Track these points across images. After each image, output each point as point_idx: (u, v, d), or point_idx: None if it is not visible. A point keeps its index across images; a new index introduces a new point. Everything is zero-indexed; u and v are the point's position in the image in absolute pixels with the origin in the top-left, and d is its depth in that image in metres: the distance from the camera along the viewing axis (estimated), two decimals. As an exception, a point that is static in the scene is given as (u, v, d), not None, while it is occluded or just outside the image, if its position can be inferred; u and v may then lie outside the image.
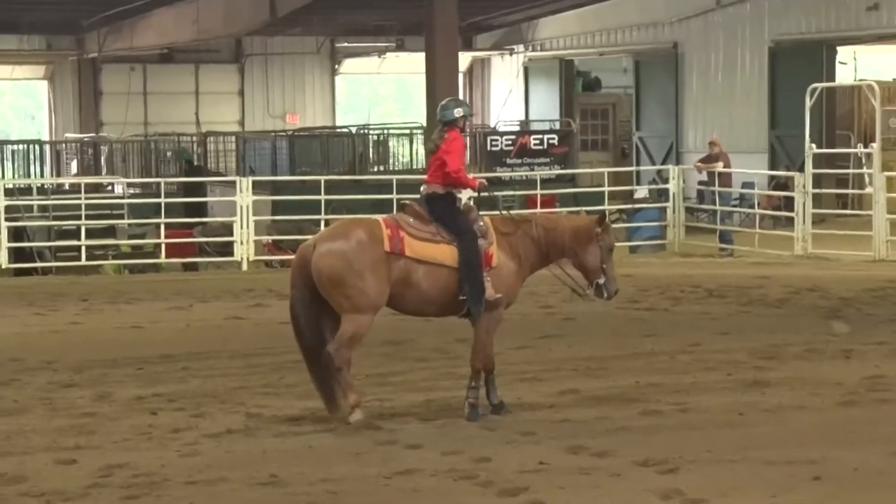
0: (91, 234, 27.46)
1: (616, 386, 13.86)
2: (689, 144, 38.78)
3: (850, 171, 30.52)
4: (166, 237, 27.68)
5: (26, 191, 31.51)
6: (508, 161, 33.51)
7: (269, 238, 27.69)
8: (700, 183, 30.30)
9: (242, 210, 27.00)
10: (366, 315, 12.19)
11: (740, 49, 37.67)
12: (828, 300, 20.25)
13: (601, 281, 12.81)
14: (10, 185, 30.96)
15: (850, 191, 30.75)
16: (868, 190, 28.32)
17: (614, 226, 26.22)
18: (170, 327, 18.90)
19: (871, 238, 25.99)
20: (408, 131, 37.19)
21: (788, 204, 28.27)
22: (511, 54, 45.80)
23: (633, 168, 38.80)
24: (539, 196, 29.76)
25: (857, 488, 9.92)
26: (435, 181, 12.67)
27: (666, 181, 30.40)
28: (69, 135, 43.20)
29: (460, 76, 37.18)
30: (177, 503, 9.73)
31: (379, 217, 12.77)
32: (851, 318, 18.52)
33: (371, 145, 36.80)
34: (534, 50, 44.88)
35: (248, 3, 37.17)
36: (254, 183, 28.12)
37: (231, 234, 27.30)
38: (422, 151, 34.43)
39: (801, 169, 28.19)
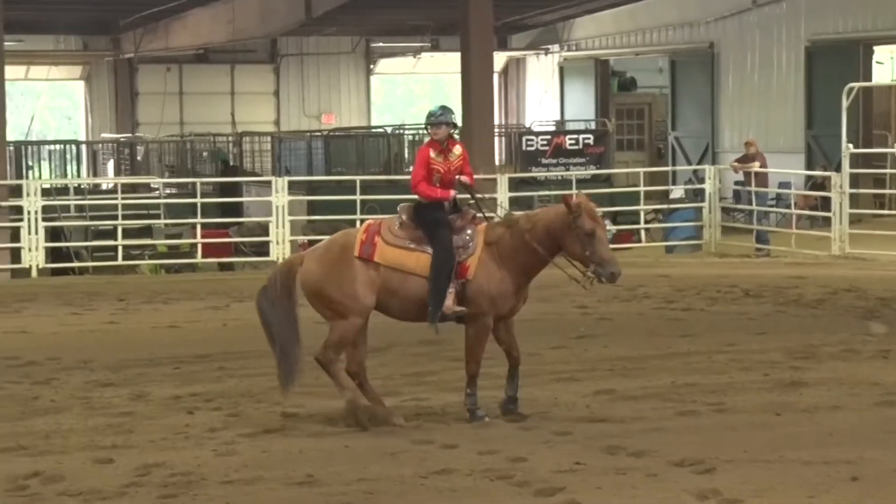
0: (128, 233, 27.57)
1: (652, 386, 13.84)
2: (725, 144, 38.64)
3: (888, 170, 30.36)
4: (203, 237, 27.77)
5: (63, 191, 31.70)
6: (544, 161, 33.47)
7: (305, 238, 27.72)
8: (736, 183, 30.20)
9: (278, 210, 27.06)
10: (349, 320, 12.23)
11: (776, 49, 37.52)
12: (865, 300, 20.17)
13: (593, 267, 12.31)
14: (48, 186, 31.11)
15: (887, 191, 30.62)
16: (905, 190, 28.23)
17: (653, 225, 25.92)
18: (206, 327, 18.96)
19: (908, 238, 25.90)
20: (443, 131, 37.14)
21: (825, 204, 28.18)
22: (546, 54, 45.72)
23: (669, 168, 38.71)
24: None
25: (894, 489, 9.88)
26: None
27: (702, 181, 30.32)
28: (105, 135, 43.36)
29: (495, 76, 37.13)
30: (213, 502, 9.75)
31: (372, 220, 12.84)
32: (889, 318, 18.43)
33: (406, 145, 36.80)
34: (569, 50, 44.78)
35: (284, 3, 37.24)
36: (289, 183, 28.17)
37: (267, 234, 27.36)
38: (457, 151, 34.36)
39: (838, 169, 28.07)
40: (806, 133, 36.21)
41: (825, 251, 26.60)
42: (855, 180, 27.99)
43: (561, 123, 41.99)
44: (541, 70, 46.17)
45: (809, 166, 34.61)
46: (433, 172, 12.55)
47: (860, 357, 15.44)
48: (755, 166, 29.11)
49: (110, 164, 40.40)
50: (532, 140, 34.37)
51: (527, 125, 42.10)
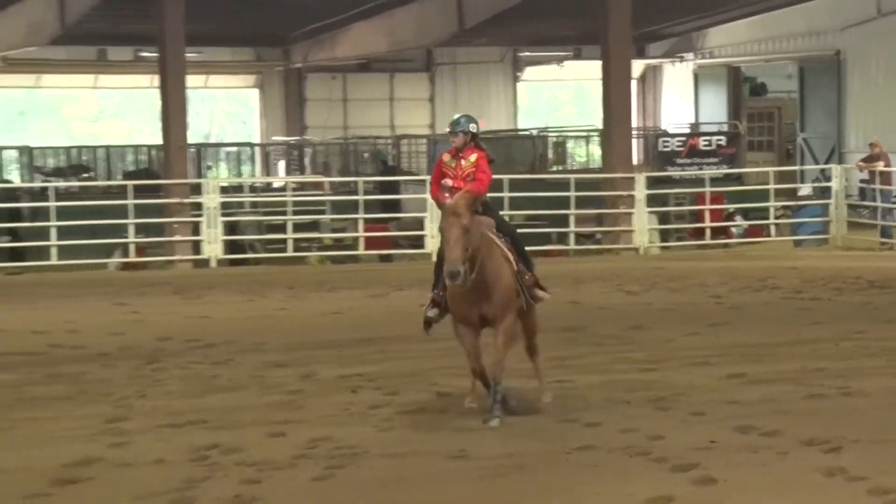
0: (297, 228, 27.86)
1: (782, 370, 13.65)
2: (851, 145, 38.00)
3: None
4: (364, 231, 27.95)
5: (238, 189, 32.10)
6: (679, 161, 33.16)
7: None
8: (861, 181, 29.71)
9: (432, 206, 27.15)
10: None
11: (900, 55, 36.84)
12: None
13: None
14: (225, 184, 31.54)
15: None
16: None
17: (782, 221, 25.38)
18: (368, 313, 19.07)
19: None
20: (584, 134, 37.07)
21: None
22: (681, 61, 45.32)
23: (798, 167, 38.15)
24: (708, 194, 29.51)
25: None
26: None
27: (829, 180, 29.86)
28: (276, 138, 43.85)
29: (634, 82, 36.89)
30: (374, 473, 9.81)
31: None
32: None
33: (550, 146, 36.72)
34: (703, 57, 44.34)
35: (439, 16, 37.34)
36: (443, 181, 28.24)
37: (422, 229, 27.46)
38: (597, 152, 34.27)
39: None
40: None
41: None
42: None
43: (695, 126, 41.57)
44: (676, 76, 45.77)
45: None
46: (445, 176, 12.25)
47: (981, 345, 15.11)
48: (879, 165, 28.63)
49: (281, 165, 40.86)
50: (668, 141, 34.07)
51: (663, 128, 41.76)
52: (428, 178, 28.70)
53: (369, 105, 45.36)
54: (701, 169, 32.46)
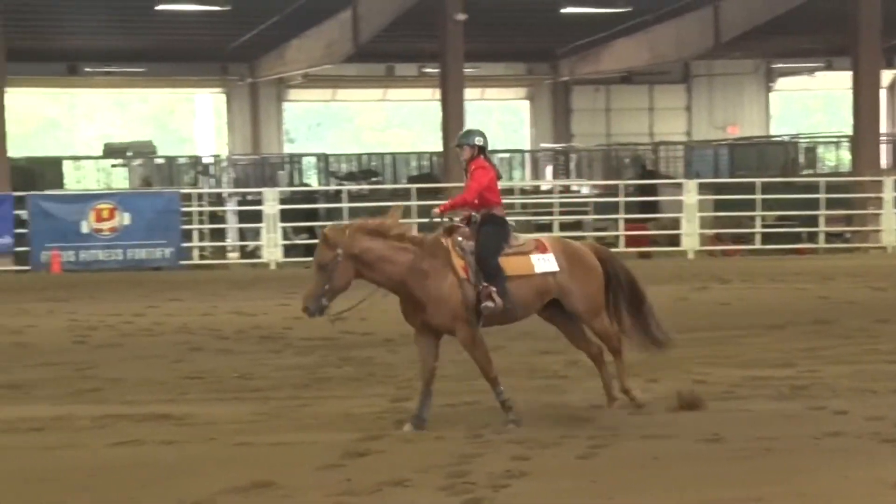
0: (563, 227, 27.85)
1: None
2: None
3: None
4: (625, 230, 27.78)
5: (509, 192, 32.26)
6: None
7: (713, 231, 27.42)
8: None
9: (689, 208, 26.83)
10: None
11: None
12: None
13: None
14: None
15: None
16: None
17: None
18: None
19: None
20: (835, 139, 36.08)
21: None
22: (929, 70, 43.72)
23: None
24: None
25: None
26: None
27: None
28: (545, 145, 43.97)
29: (883, 91, 35.72)
30: (632, 453, 9.69)
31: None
32: None
33: (801, 152, 35.89)
34: (950, 66, 42.66)
35: (696, 31, 36.89)
36: (698, 185, 27.89)
37: (678, 228, 27.14)
38: (847, 157, 33.34)
39: None
40: None
41: None
42: None
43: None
44: (924, 85, 44.17)
45: None
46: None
47: None
48: None
49: (548, 169, 40.94)
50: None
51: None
52: (684, 180, 28.46)
53: (630, 114, 45.08)
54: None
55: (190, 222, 27.42)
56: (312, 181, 37.03)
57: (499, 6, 35.98)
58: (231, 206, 30.26)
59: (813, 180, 29.80)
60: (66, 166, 35.65)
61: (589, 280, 11.15)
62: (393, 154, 39.26)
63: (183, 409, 10.84)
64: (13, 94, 31.88)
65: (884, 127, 38.95)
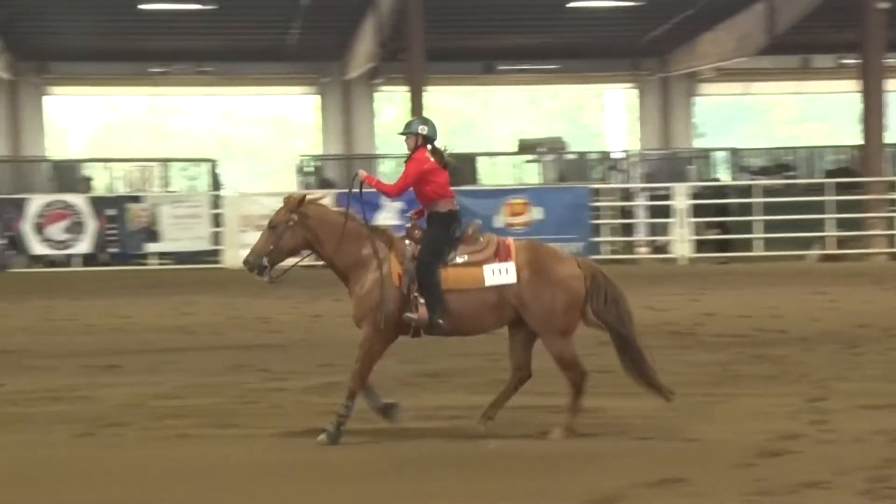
0: None
1: None
2: None
3: None
4: None
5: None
6: None
7: None
8: None
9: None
10: None
11: None
12: None
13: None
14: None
15: None
16: None
17: None
18: None
19: None
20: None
21: None
22: None
23: None
24: None
25: None
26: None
27: None
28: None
29: None
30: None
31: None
32: None
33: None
34: None
35: None
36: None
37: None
38: None
39: None
40: None
41: None
42: None
43: None
44: None
45: None
46: None
47: None
48: None
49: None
50: None
51: None
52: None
53: None
54: None
55: (599, 217, 27.66)
56: (723, 176, 36.62)
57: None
58: (641, 202, 30.35)
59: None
60: (481, 162, 36.65)
61: (555, 296, 10.11)
62: (808, 147, 38.28)
63: (595, 402, 10.92)
64: (433, 94, 33.05)
65: None
